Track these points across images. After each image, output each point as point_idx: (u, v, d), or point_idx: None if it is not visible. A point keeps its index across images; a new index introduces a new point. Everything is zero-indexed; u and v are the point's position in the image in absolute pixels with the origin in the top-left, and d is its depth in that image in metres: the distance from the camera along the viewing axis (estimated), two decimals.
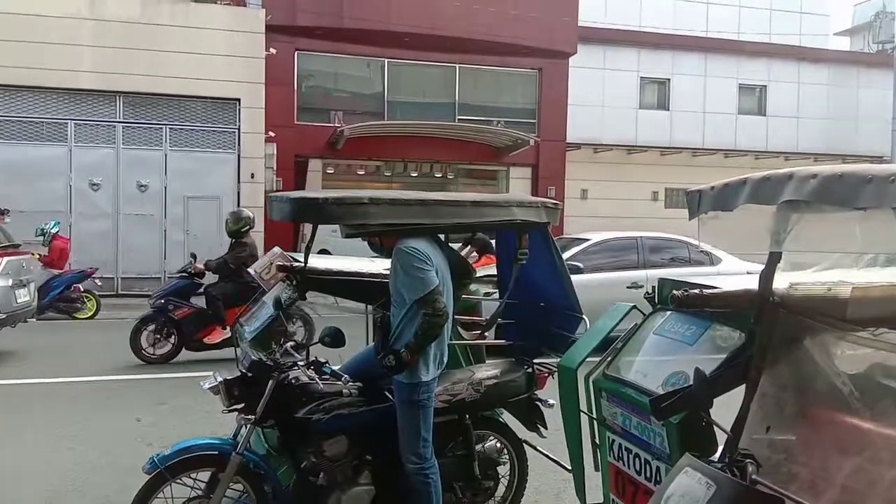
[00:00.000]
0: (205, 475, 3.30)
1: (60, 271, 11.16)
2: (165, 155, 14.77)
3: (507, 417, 4.04)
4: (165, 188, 14.75)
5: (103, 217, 14.16)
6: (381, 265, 3.94)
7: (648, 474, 2.53)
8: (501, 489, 3.90)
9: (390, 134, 17.54)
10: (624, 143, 21.25)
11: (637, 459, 2.59)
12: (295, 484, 3.38)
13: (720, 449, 2.34)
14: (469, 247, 11.52)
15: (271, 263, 3.88)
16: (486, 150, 18.64)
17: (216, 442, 3.36)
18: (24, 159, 13.93)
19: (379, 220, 3.13)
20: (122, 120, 14.54)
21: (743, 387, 2.26)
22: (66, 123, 14.26)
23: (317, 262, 3.95)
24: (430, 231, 3.34)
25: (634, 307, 3.01)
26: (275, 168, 16.01)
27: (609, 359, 2.85)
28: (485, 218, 3.44)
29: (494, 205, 3.47)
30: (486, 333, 4.14)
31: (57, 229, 11.39)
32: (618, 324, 2.97)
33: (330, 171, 18.12)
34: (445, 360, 3.36)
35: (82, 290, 11.22)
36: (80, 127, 14.37)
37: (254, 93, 14.95)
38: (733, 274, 8.69)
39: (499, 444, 3.87)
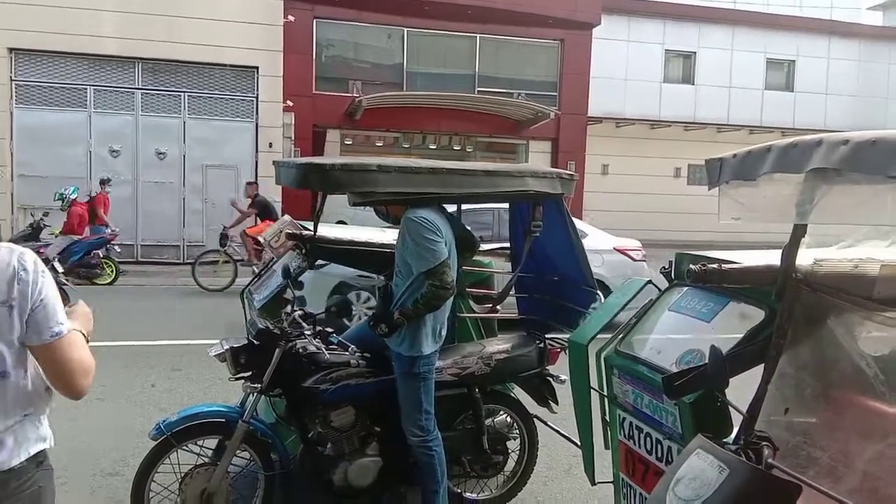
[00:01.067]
0: (212, 442, 3.29)
1: (80, 237, 11.24)
2: (184, 122, 14.74)
3: (517, 392, 4.00)
4: (184, 156, 14.76)
5: (123, 184, 14.20)
6: (391, 235, 3.88)
7: (659, 454, 2.45)
8: (511, 464, 3.87)
9: (409, 105, 17.37)
10: (647, 117, 20.92)
11: (648, 439, 2.51)
12: (302, 453, 3.37)
13: (735, 430, 2.26)
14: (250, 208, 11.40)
15: (281, 231, 3.83)
16: (505, 122, 18.42)
17: (223, 409, 3.34)
18: (44, 124, 13.99)
19: (388, 189, 3.05)
20: (141, 87, 14.52)
21: (761, 367, 2.17)
22: (86, 89, 14.27)
23: (326, 230, 3.89)
24: (440, 200, 3.25)
25: (650, 282, 2.92)
26: (293, 138, 15.94)
27: (621, 335, 2.76)
28: (498, 188, 3.34)
29: (508, 175, 3.37)
30: (497, 307, 4.07)
31: (76, 195, 11.44)
32: (631, 299, 2.88)
33: (348, 141, 18.04)
34: (445, 333, 3.30)
35: (102, 256, 11.30)
36: (100, 93, 14.37)
37: (272, 61, 14.84)
38: (599, 250, 8.23)
39: (509, 419, 3.83)
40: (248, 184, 12.53)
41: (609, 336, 2.84)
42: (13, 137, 13.91)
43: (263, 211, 11.71)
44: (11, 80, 13.86)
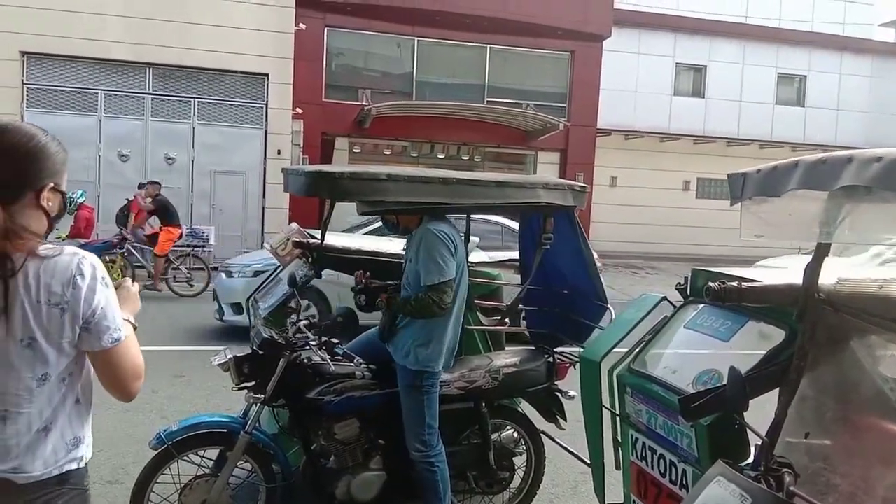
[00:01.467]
0: (213, 453, 3.23)
1: (86, 241, 11.23)
2: (193, 128, 14.78)
3: (525, 407, 3.92)
4: (193, 161, 14.78)
5: (131, 188, 14.11)
6: (399, 244, 3.82)
7: (674, 477, 2.38)
8: (517, 480, 3.80)
9: (418, 114, 17.37)
10: (656, 130, 20.85)
11: (662, 461, 2.44)
12: (304, 465, 3.30)
13: (752, 453, 2.19)
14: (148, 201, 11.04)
15: (288, 239, 3.77)
16: (514, 133, 18.40)
17: (225, 420, 3.28)
18: (54, 128, 13.60)
19: (397, 198, 3.01)
20: (151, 92, 14.56)
21: (779, 389, 2.10)
22: (97, 94, 14.33)
23: (334, 239, 3.84)
24: (450, 211, 3.21)
25: (664, 298, 2.85)
26: (301, 145, 15.95)
27: (635, 352, 2.69)
28: (508, 199, 3.29)
29: (519, 186, 3.32)
30: (506, 320, 4.01)
31: (83, 199, 11.44)
32: (646, 315, 2.81)
33: (356, 150, 18.04)
34: (455, 350, 3.29)
35: (108, 259, 11.26)
36: (110, 98, 14.41)
37: (282, 68, 14.86)
38: None
39: (516, 434, 3.76)
40: (151, 182, 11.74)
41: (622, 352, 2.78)
42: None
43: (163, 212, 11.22)
44: (23, 83, 13.92)
